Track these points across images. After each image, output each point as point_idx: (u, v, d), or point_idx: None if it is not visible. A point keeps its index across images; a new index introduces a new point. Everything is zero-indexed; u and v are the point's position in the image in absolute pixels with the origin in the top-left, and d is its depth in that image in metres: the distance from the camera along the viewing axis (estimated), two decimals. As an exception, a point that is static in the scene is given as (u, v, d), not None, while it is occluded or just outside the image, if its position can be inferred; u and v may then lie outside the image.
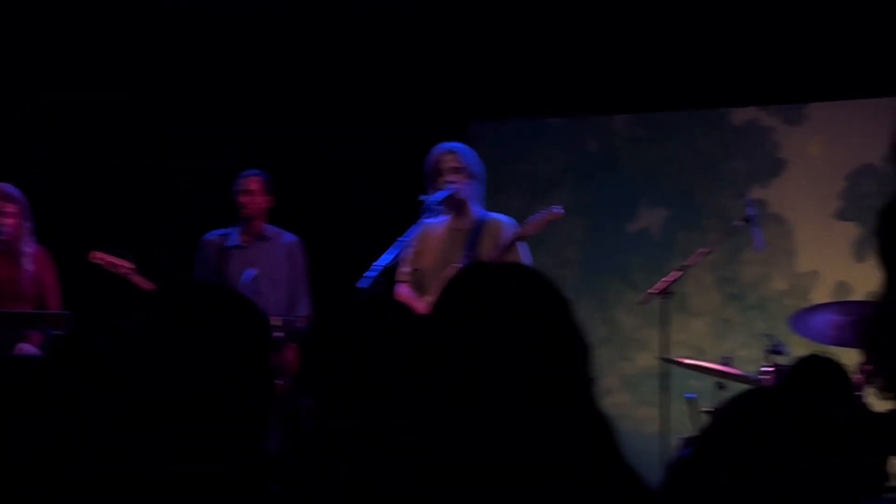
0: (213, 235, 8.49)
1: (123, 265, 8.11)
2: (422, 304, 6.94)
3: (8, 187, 8.04)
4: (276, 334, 7.08)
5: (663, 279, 7.75)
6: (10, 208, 7.99)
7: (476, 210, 7.33)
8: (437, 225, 7.35)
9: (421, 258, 7.32)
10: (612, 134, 9.95)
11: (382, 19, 9.69)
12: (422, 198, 7.19)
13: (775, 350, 6.91)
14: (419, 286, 7.28)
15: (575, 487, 2.28)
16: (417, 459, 2.38)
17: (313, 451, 3.14)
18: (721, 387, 7.22)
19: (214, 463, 2.27)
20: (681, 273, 7.78)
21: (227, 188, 8.44)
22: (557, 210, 7.10)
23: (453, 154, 7.28)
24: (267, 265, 8.28)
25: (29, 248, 8.03)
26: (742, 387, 6.93)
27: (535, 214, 7.20)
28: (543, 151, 10.08)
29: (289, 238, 8.48)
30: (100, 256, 8.14)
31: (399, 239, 7.08)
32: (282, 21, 9.84)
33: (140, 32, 9.81)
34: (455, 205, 7.28)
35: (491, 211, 7.43)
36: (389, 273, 6.95)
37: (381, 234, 7.29)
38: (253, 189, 8.36)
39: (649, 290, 7.80)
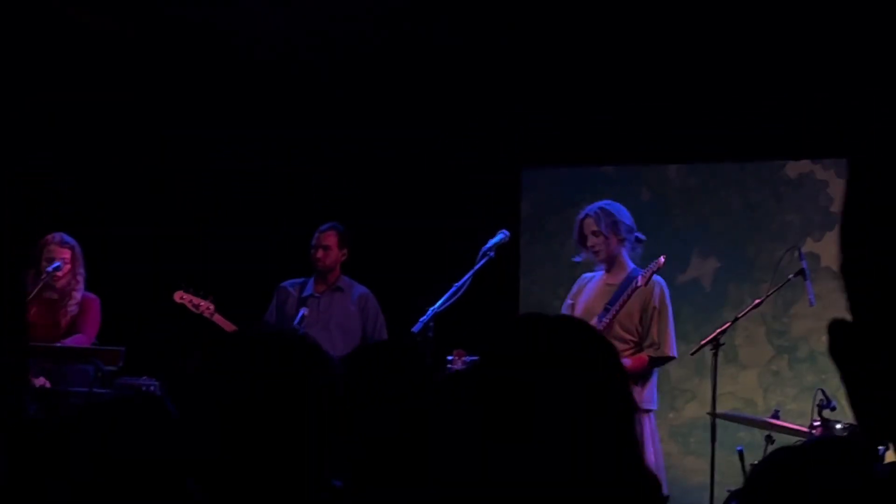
0: (290, 284, 8.72)
1: (205, 306, 8.29)
2: None
3: (63, 236, 8.13)
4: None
5: (714, 330, 7.73)
6: (66, 256, 8.08)
7: (630, 266, 7.58)
8: (593, 280, 7.62)
9: (572, 311, 7.55)
10: (664, 183, 9.95)
11: (439, 63, 9.74)
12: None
13: (825, 405, 6.89)
14: None
15: None
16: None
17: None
18: (770, 440, 7.20)
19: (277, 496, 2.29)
20: (731, 324, 7.77)
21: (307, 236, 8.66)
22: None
23: (588, 219, 7.60)
24: (340, 315, 8.56)
25: (78, 293, 8.11)
26: (791, 439, 6.91)
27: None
28: (595, 199, 10.06)
29: (360, 290, 8.70)
30: (183, 296, 8.32)
31: (454, 285, 7.21)
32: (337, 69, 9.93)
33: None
34: (606, 263, 7.55)
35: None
36: (441, 318, 7.07)
37: (439, 281, 7.42)
38: (328, 244, 8.59)
39: (700, 341, 7.79)
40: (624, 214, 7.64)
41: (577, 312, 7.45)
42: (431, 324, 7.01)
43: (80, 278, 8.13)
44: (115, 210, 9.97)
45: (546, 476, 2.30)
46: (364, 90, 9.90)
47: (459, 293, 7.27)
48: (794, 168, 9.58)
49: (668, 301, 7.47)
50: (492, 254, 7.38)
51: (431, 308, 6.98)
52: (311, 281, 8.69)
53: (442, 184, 9.82)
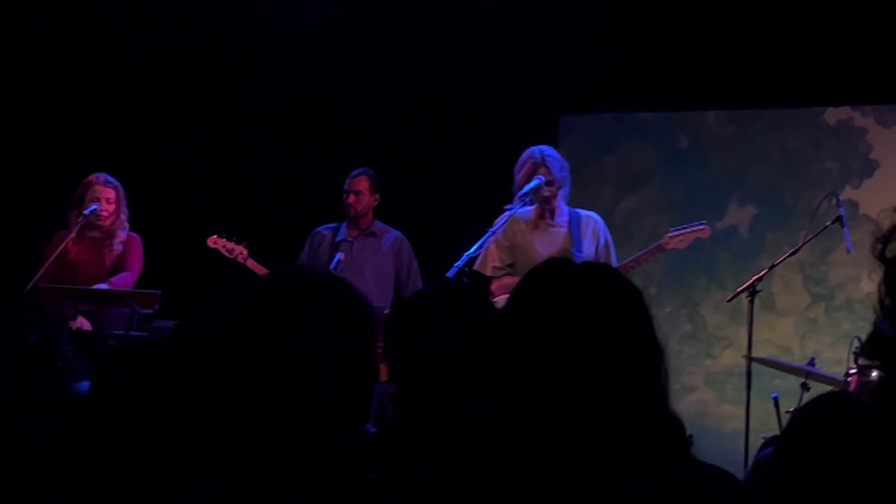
0: (324, 229, 8.78)
1: (238, 251, 8.43)
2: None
3: (107, 176, 8.20)
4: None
5: (750, 277, 7.72)
6: (110, 195, 8.15)
7: (565, 207, 7.53)
8: (524, 219, 7.47)
9: (515, 253, 7.44)
10: (703, 130, 9.90)
11: (477, 7, 9.71)
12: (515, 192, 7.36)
13: (861, 352, 6.87)
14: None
15: (642, 489, 2.29)
16: (490, 451, 2.39)
17: (395, 439, 3.17)
18: (806, 387, 7.19)
19: (318, 448, 2.27)
20: (768, 272, 7.75)
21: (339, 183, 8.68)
22: (705, 226, 7.28)
23: (544, 167, 7.42)
24: (373, 260, 8.59)
25: (122, 234, 8.19)
26: (826, 388, 6.90)
27: (680, 228, 7.38)
28: (634, 146, 10.05)
29: (394, 234, 8.72)
30: (217, 241, 8.47)
31: (488, 230, 7.21)
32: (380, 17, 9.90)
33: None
34: (544, 200, 7.44)
35: (579, 206, 7.61)
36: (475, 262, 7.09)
37: (473, 226, 7.43)
38: (360, 189, 8.63)
39: (737, 289, 7.77)
40: (565, 165, 7.54)
41: (527, 256, 7.36)
42: (466, 269, 7.00)
43: (125, 218, 8.22)
44: (153, 154, 10.03)
45: (577, 419, 2.31)
46: (401, 34, 9.86)
47: (495, 238, 7.29)
48: (833, 115, 9.51)
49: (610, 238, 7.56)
50: (528, 199, 7.37)
51: (466, 253, 6.96)
52: (345, 226, 8.72)
53: (480, 129, 9.79)
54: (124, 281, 8.06)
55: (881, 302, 1.99)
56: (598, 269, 2.51)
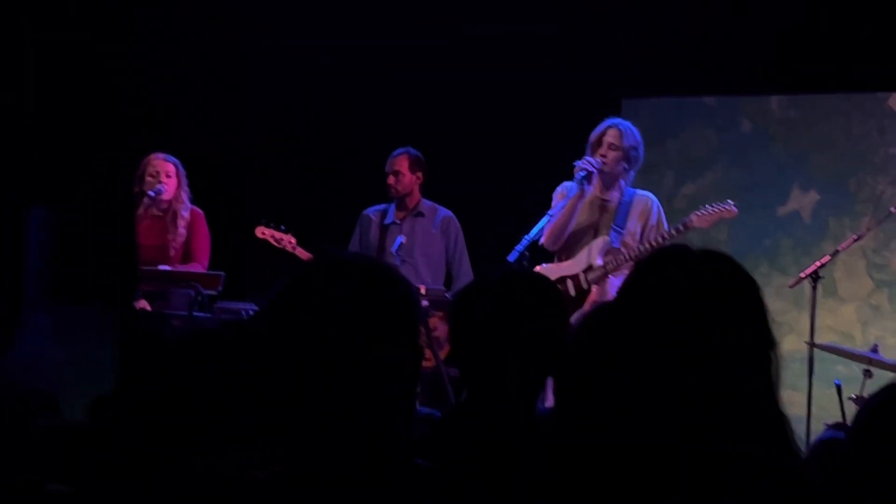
0: (371, 212, 8.73)
1: (287, 239, 8.40)
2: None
3: (166, 154, 8.22)
4: (423, 304, 7.22)
5: (813, 263, 7.68)
6: (169, 169, 8.16)
7: (625, 186, 7.52)
8: (574, 190, 7.52)
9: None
10: (766, 114, 9.85)
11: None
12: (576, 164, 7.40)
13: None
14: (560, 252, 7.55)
15: (750, 481, 2.27)
16: (563, 437, 2.39)
17: (457, 422, 3.17)
18: (868, 374, 7.15)
19: (363, 432, 2.27)
20: (830, 258, 7.70)
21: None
22: (732, 207, 7.24)
23: (616, 130, 7.45)
24: (422, 240, 8.54)
25: (185, 212, 8.19)
26: (890, 375, 6.86)
27: (707, 207, 7.36)
28: (696, 130, 10.01)
29: (443, 213, 8.67)
30: (264, 231, 8.43)
31: (548, 212, 7.23)
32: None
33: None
34: (604, 178, 7.50)
35: (641, 188, 7.61)
36: (536, 247, 7.10)
37: (534, 209, 7.43)
38: (399, 169, 8.58)
39: (799, 274, 7.74)
40: (641, 146, 7.54)
41: (587, 231, 7.48)
42: (527, 253, 7.02)
43: (185, 195, 8.20)
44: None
45: (683, 416, 2.29)
46: (461, 18, 9.85)
47: (553, 222, 7.30)
48: (898, 100, 9.45)
49: (664, 219, 7.56)
50: (590, 183, 7.39)
51: (526, 237, 6.98)
52: (392, 207, 8.67)
53: (542, 113, 9.77)
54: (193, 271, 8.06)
55: None
56: (714, 258, 2.48)
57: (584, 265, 7.44)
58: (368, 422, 2.27)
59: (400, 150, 8.62)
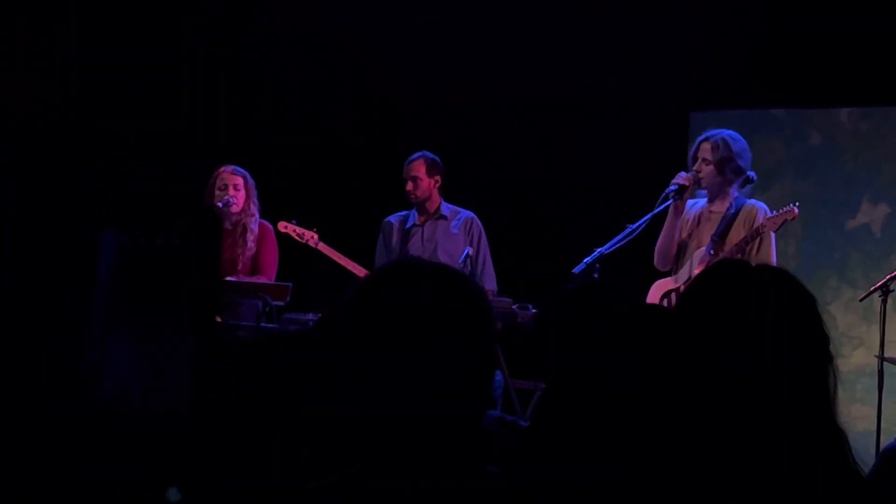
0: (393, 218, 8.82)
1: (309, 235, 8.59)
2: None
3: (235, 166, 8.27)
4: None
5: (883, 276, 7.63)
6: (238, 182, 8.21)
7: (735, 196, 7.48)
8: (695, 206, 7.60)
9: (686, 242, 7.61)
10: (835, 127, 9.79)
11: (607, 8, 9.69)
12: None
13: None
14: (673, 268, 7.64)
15: (805, 496, 2.27)
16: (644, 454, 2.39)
17: (544, 434, 3.17)
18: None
19: (435, 438, 2.27)
20: (901, 271, 7.65)
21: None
22: (794, 208, 7.21)
23: (706, 143, 7.48)
24: (444, 241, 8.60)
25: (254, 226, 8.24)
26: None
27: (772, 212, 7.32)
28: (765, 143, 9.96)
29: (465, 214, 8.72)
30: (287, 226, 8.61)
31: (628, 226, 7.23)
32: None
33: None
34: (710, 191, 7.52)
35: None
36: (606, 260, 7.08)
37: (603, 224, 7.44)
38: (416, 174, 8.63)
39: (869, 288, 7.69)
40: (742, 154, 7.48)
41: (691, 244, 7.49)
42: (597, 265, 7.02)
43: (254, 207, 8.25)
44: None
45: (745, 430, 2.29)
46: (527, 30, 9.86)
47: (633, 236, 7.28)
48: (970, 112, 9.37)
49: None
50: (674, 198, 7.39)
51: (598, 249, 7.00)
52: (414, 212, 8.74)
53: (610, 127, 9.77)
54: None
55: None
56: (771, 273, 2.49)
57: (685, 278, 7.45)
58: (446, 424, 2.28)
59: (416, 154, 8.68)
